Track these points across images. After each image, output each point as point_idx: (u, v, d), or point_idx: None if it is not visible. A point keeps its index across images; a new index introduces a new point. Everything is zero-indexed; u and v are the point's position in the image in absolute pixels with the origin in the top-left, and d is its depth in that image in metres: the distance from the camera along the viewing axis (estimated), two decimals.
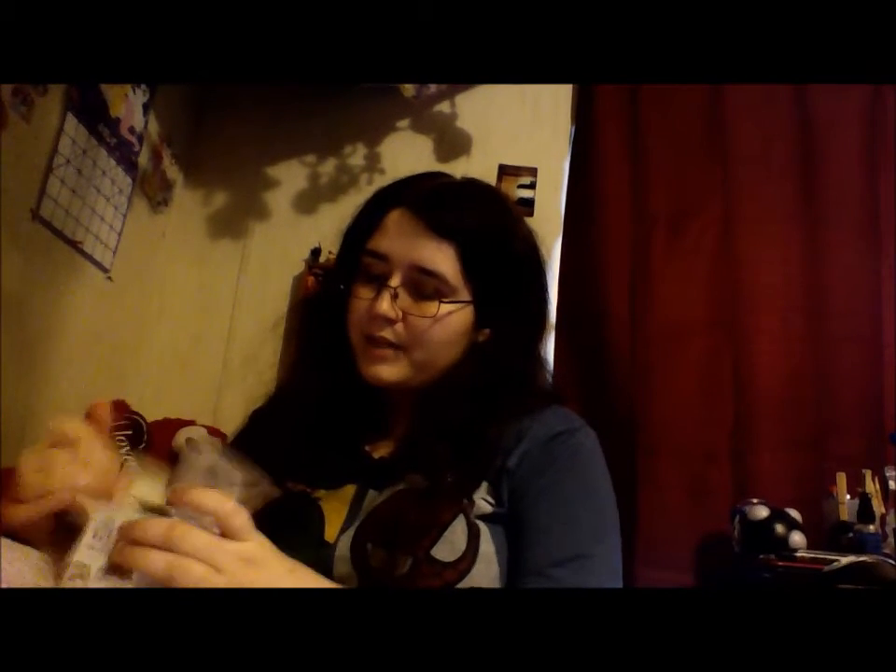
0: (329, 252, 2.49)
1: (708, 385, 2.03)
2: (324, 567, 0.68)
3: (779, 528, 1.61)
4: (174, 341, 2.46)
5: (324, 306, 0.83)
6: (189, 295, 2.51)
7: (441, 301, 0.75)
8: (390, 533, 0.67)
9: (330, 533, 0.71)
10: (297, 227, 2.53)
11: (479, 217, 0.78)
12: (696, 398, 2.02)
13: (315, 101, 2.52)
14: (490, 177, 2.43)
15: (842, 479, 1.72)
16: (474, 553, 0.67)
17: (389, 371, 0.76)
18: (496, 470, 0.72)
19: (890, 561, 1.49)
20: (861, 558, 1.48)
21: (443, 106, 2.53)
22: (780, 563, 1.56)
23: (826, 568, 1.48)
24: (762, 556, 1.59)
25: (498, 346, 0.78)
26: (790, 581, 1.52)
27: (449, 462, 0.71)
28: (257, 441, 0.80)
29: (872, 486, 1.69)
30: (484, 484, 0.72)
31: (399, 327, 0.75)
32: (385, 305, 0.74)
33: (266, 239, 2.54)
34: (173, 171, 2.48)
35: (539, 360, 0.83)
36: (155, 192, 2.38)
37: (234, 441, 0.85)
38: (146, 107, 2.25)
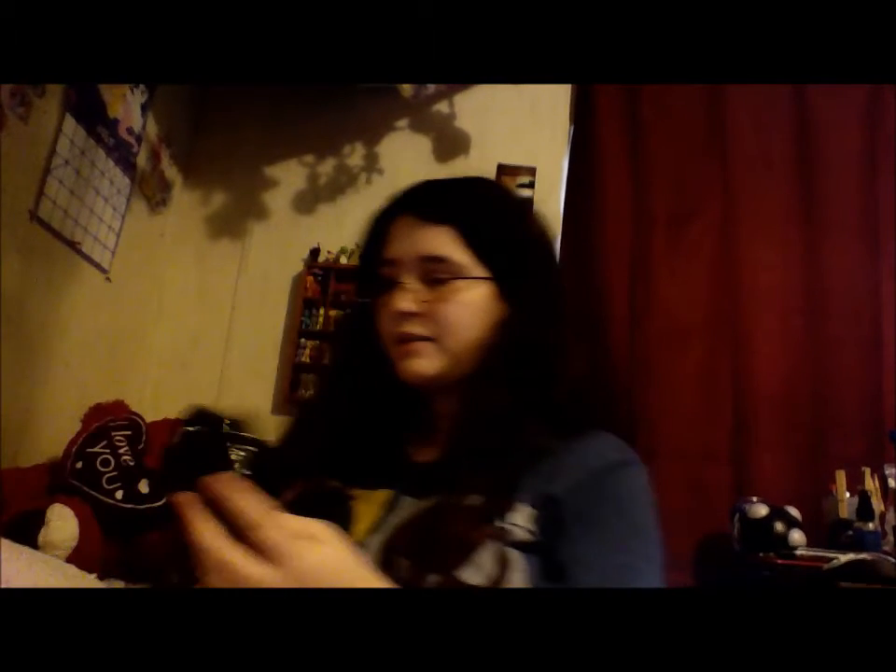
0: (328, 252, 2.50)
1: (708, 385, 2.03)
2: None
3: (779, 526, 1.61)
4: (173, 341, 2.46)
5: (354, 324, 0.84)
6: (189, 295, 2.51)
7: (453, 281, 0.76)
8: (420, 547, 0.67)
9: (358, 533, 0.71)
10: (296, 227, 2.54)
11: (471, 199, 0.80)
12: (696, 398, 2.02)
13: (314, 101, 2.52)
14: (488, 177, 2.44)
15: (841, 477, 1.72)
16: (503, 581, 0.66)
17: (425, 364, 0.75)
18: (539, 496, 0.71)
19: (890, 559, 1.49)
20: (861, 556, 1.48)
21: (442, 106, 2.53)
22: (780, 561, 1.56)
23: (826, 566, 1.48)
24: (761, 554, 1.59)
25: (518, 319, 0.77)
26: (789, 579, 1.52)
27: (486, 468, 0.69)
28: (297, 440, 0.81)
29: (871, 484, 1.69)
30: (528, 511, 0.70)
31: (424, 318, 0.75)
32: (401, 302, 0.75)
33: (265, 239, 2.54)
34: (171, 171, 2.48)
35: (564, 345, 0.81)
36: (154, 193, 2.38)
37: (280, 444, 0.85)
38: (144, 108, 2.25)
